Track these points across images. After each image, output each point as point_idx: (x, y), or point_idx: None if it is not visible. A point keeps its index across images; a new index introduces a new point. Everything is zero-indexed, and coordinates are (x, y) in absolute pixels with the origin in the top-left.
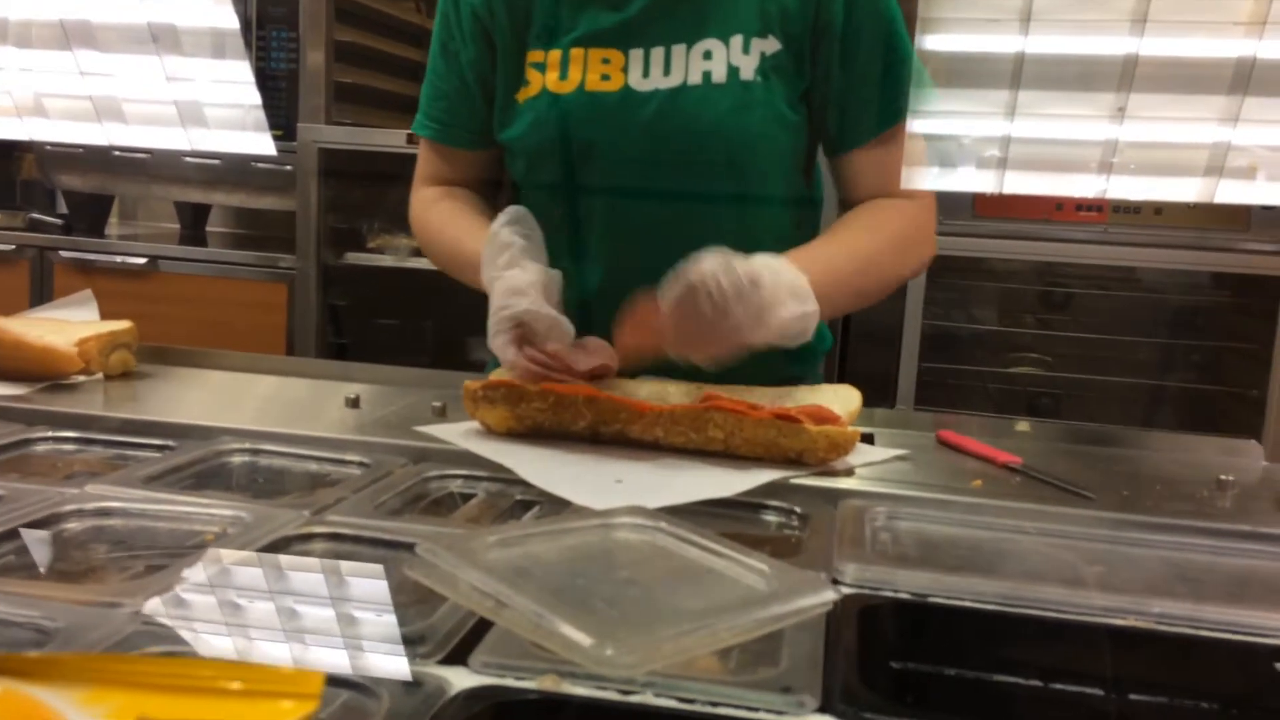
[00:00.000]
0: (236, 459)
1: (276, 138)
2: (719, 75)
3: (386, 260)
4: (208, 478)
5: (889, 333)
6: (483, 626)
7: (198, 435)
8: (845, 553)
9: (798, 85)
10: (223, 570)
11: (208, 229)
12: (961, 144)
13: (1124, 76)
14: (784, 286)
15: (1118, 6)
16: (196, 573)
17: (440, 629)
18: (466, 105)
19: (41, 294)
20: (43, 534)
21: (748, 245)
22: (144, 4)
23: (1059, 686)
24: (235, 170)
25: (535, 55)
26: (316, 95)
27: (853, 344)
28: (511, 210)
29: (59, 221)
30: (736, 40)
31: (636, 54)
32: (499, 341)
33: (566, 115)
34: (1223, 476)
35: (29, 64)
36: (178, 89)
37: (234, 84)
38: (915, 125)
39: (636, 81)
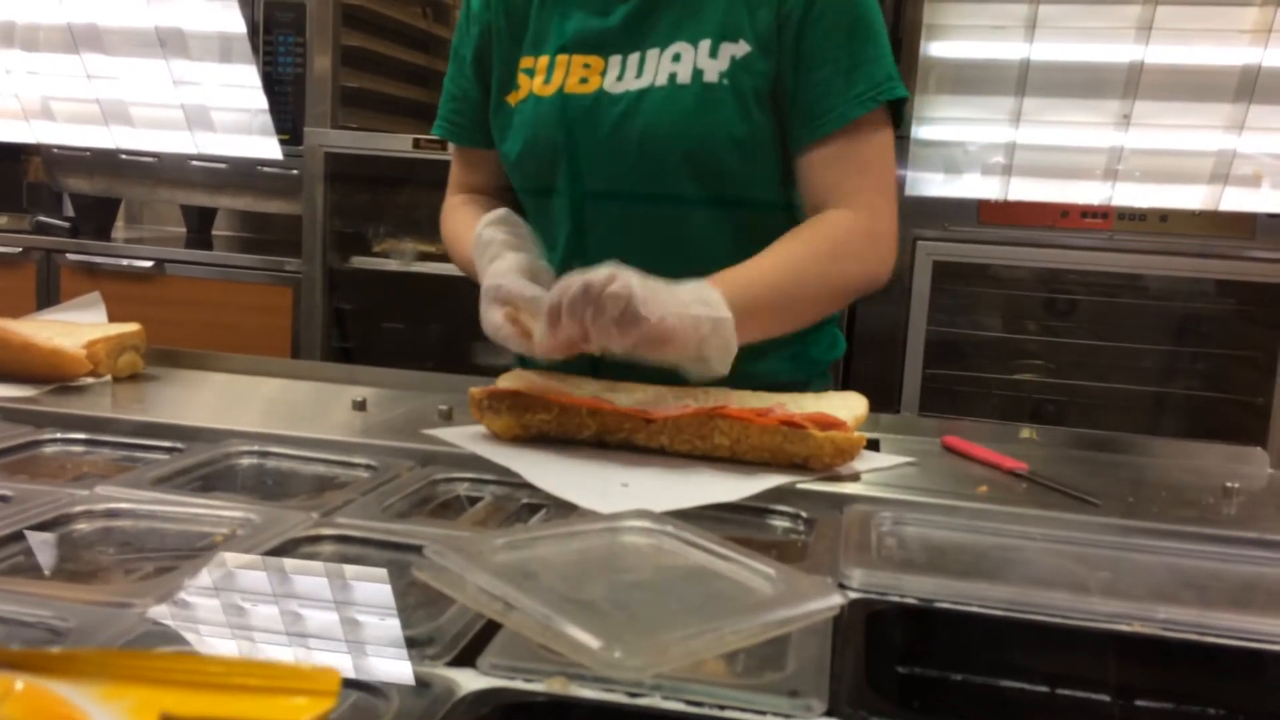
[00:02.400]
0: (244, 461)
1: (283, 142)
2: (683, 77)
3: (392, 264)
4: (216, 480)
5: (893, 339)
6: (491, 629)
7: (206, 437)
8: (851, 557)
9: (768, 87)
10: (232, 572)
11: (214, 233)
12: (966, 150)
13: (1129, 84)
14: (682, 292)
15: (1123, 15)
16: (206, 574)
17: (448, 631)
18: (474, 106)
19: (48, 297)
20: (52, 535)
21: (717, 246)
22: (152, 8)
23: (1065, 692)
24: (242, 174)
25: (526, 61)
26: (323, 100)
27: (857, 350)
28: (494, 213)
29: (65, 224)
30: (705, 44)
31: (615, 60)
32: (488, 316)
33: (545, 117)
34: (1228, 484)
35: (36, 67)
36: (185, 93)
37: (241, 88)
38: (920, 132)
39: (611, 84)
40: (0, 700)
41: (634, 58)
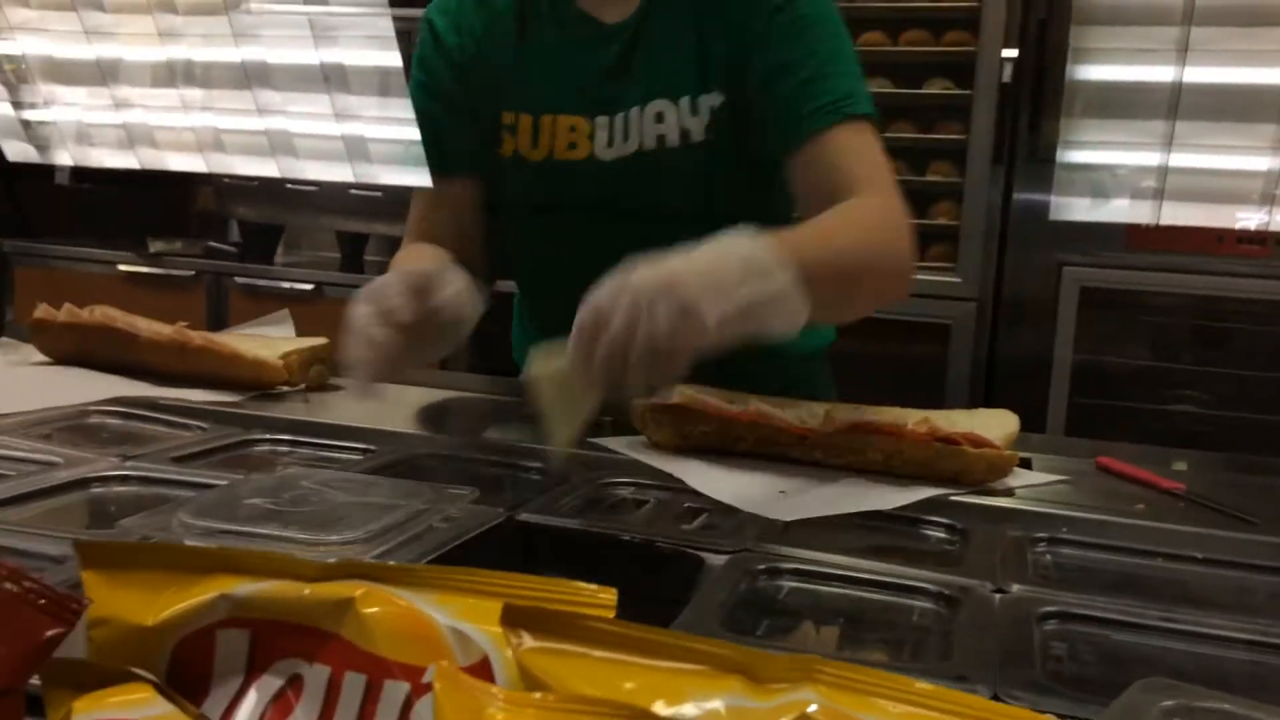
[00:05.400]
0: (429, 462)
1: None
2: (672, 139)
3: None
4: (409, 478)
5: (1037, 366)
6: None
7: (393, 440)
8: (1008, 568)
9: (742, 123)
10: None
11: (365, 257)
12: (1115, 175)
13: None
14: (730, 268)
15: (1279, 37)
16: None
17: None
18: (460, 130)
19: (218, 316)
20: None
21: None
22: (318, 46)
23: None
24: (395, 201)
25: (507, 117)
26: None
27: (999, 378)
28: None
29: (233, 249)
30: (684, 101)
31: (601, 121)
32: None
33: (535, 181)
34: None
35: (210, 103)
36: (345, 125)
37: (397, 121)
38: (1066, 156)
39: (601, 150)
40: (356, 598)
41: (619, 118)
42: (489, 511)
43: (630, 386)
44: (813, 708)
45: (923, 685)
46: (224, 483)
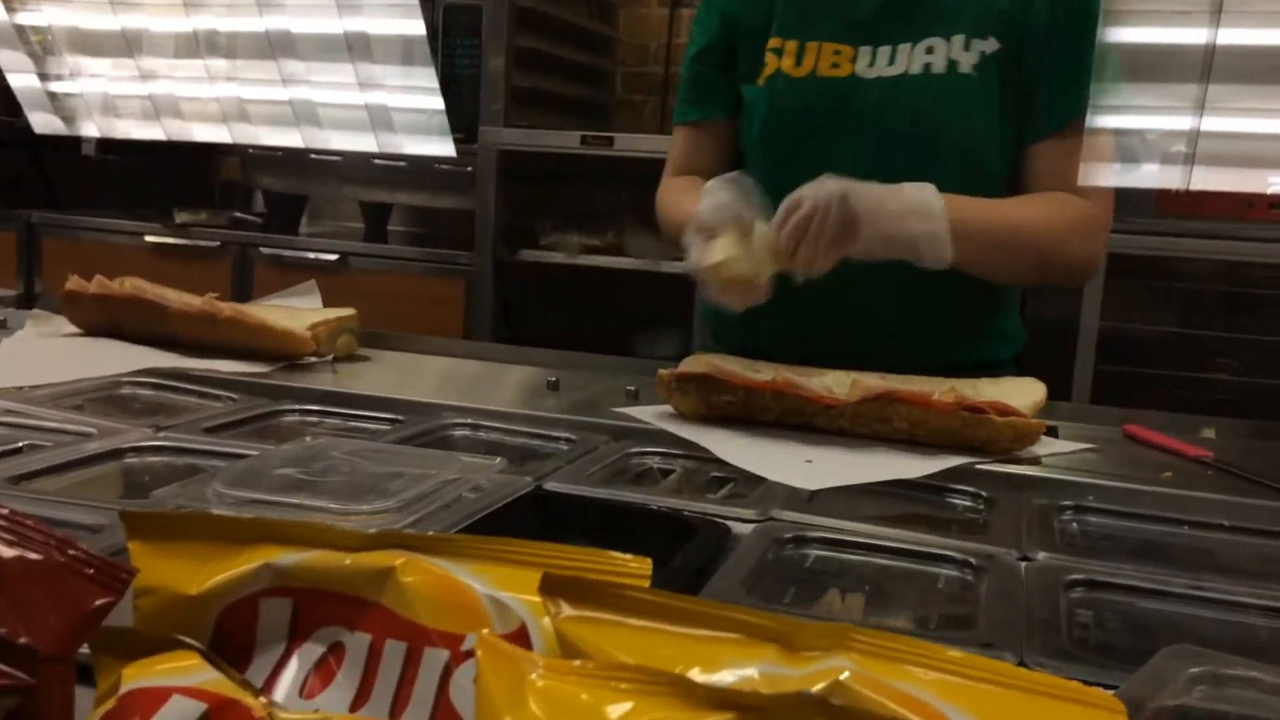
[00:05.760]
0: (458, 433)
1: (458, 140)
2: (939, 67)
3: (558, 257)
4: (437, 448)
5: (1063, 333)
6: None
7: (423, 411)
8: (1034, 536)
9: (1012, 80)
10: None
11: (389, 228)
12: (1145, 139)
13: None
14: (903, 201)
15: None
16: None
17: None
18: (717, 81)
19: (243, 286)
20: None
21: None
22: (342, 16)
23: None
24: (418, 171)
25: (774, 42)
26: (497, 99)
27: (1025, 343)
28: (729, 174)
29: (259, 220)
30: (958, 39)
31: (865, 50)
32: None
33: (795, 95)
34: None
35: (235, 73)
36: (369, 95)
37: (420, 90)
38: (1101, 120)
39: (863, 70)
40: (397, 568)
41: (884, 49)
42: (517, 481)
43: (801, 262)
44: (845, 675)
45: (954, 653)
46: (255, 453)
